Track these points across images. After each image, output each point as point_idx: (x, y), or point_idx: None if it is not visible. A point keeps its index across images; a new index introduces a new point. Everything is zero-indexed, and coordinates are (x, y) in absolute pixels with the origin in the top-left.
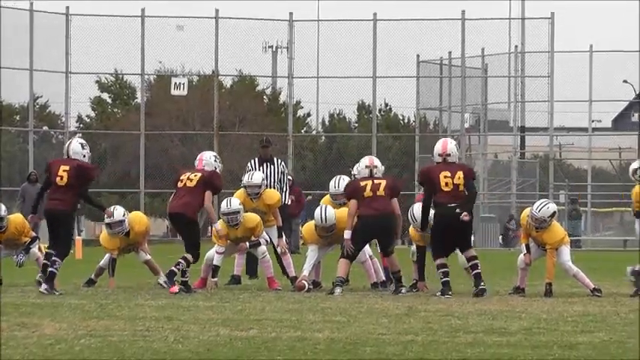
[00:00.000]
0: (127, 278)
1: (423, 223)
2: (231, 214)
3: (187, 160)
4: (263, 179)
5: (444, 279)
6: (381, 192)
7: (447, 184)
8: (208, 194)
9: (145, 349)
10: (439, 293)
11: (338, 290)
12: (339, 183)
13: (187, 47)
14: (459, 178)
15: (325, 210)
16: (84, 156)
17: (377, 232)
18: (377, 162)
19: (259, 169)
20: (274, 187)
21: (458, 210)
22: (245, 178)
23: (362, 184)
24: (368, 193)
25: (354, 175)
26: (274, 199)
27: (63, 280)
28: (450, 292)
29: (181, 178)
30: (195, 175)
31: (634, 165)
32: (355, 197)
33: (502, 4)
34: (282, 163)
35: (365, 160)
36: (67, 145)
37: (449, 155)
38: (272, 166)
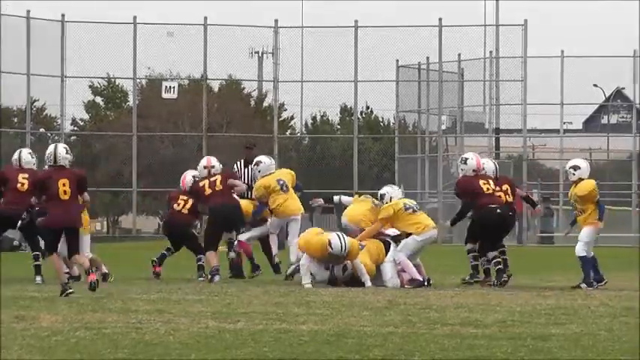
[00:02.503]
0: (120, 273)
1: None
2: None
3: (177, 160)
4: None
5: (498, 267)
6: (218, 186)
7: (487, 188)
8: None
9: (137, 341)
10: (495, 282)
11: (216, 278)
12: None
13: (177, 52)
14: (491, 184)
15: (345, 240)
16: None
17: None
18: (214, 162)
19: (244, 171)
20: None
21: (499, 211)
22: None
23: (201, 184)
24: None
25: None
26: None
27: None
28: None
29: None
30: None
31: (569, 163)
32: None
33: (477, 12)
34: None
35: (203, 162)
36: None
37: (483, 170)
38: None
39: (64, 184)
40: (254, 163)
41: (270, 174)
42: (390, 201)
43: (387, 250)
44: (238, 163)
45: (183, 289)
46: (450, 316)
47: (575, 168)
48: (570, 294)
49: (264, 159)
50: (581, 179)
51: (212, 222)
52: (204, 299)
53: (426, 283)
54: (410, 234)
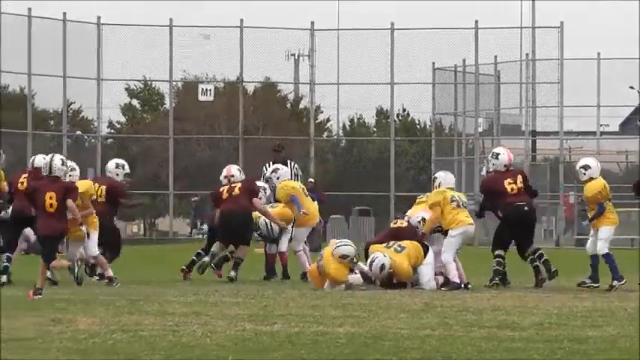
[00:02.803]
0: (157, 275)
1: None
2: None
3: (214, 163)
4: (274, 170)
5: (497, 268)
6: (236, 192)
7: (512, 189)
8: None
9: (174, 343)
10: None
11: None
12: None
13: (213, 55)
14: (520, 182)
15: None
16: (64, 173)
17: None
18: (234, 171)
19: None
20: None
21: (526, 208)
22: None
23: (221, 189)
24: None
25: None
26: (277, 189)
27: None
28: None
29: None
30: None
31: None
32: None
33: (513, 14)
34: (296, 165)
35: (224, 171)
36: (48, 160)
37: (511, 164)
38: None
39: (50, 197)
40: (271, 169)
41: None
42: (440, 186)
43: (426, 253)
44: (266, 165)
45: (220, 292)
46: (487, 318)
47: (586, 168)
48: (606, 296)
49: (282, 166)
50: (591, 179)
51: (218, 226)
52: (241, 302)
53: (462, 286)
54: (445, 230)
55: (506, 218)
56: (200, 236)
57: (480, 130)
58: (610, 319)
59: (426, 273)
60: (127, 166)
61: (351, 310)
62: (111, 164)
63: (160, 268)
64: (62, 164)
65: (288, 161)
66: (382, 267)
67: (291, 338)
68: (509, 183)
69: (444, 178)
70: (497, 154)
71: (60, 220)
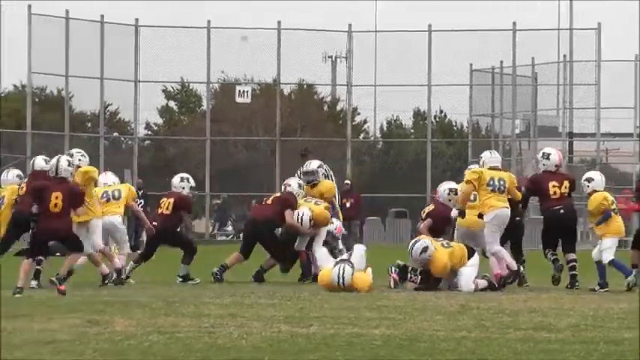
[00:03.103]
0: (194, 277)
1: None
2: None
3: (251, 165)
4: (319, 165)
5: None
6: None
7: (555, 192)
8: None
9: (210, 345)
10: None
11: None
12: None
13: (251, 57)
14: (565, 187)
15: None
16: (70, 174)
17: None
18: (292, 182)
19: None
20: None
21: (562, 211)
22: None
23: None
24: None
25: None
26: (328, 187)
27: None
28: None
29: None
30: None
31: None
32: None
33: (551, 15)
34: (326, 166)
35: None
36: (54, 161)
37: (561, 166)
38: None
39: (56, 197)
40: (317, 164)
41: None
42: (483, 166)
43: (470, 256)
44: (298, 171)
45: (255, 293)
46: (523, 320)
47: (589, 180)
48: None
49: (293, 184)
50: (595, 191)
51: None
52: (277, 303)
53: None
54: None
55: (546, 222)
56: (224, 237)
57: (517, 131)
58: None
59: (467, 274)
60: (191, 180)
61: (386, 312)
62: (176, 179)
63: (196, 269)
64: (68, 165)
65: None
66: (425, 249)
67: (327, 340)
68: (554, 186)
69: (489, 157)
70: (549, 155)
71: (62, 222)
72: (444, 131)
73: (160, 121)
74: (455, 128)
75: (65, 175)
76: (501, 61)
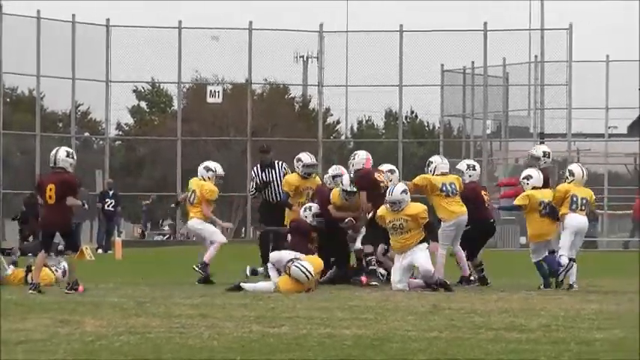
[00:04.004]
0: (163, 277)
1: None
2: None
3: (222, 165)
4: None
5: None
6: None
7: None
8: None
9: (181, 345)
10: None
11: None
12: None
13: (222, 57)
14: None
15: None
16: (70, 164)
17: None
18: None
19: (261, 174)
20: (278, 191)
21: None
22: (304, 157)
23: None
24: None
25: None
26: (319, 181)
27: (103, 279)
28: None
29: None
30: None
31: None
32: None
33: (522, 16)
34: (285, 165)
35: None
36: (53, 153)
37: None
38: (273, 171)
39: (50, 189)
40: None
41: None
42: (434, 171)
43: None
44: (255, 168)
45: (226, 294)
46: (495, 320)
47: (528, 178)
48: (614, 299)
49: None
50: (534, 188)
51: None
52: (248, 303)
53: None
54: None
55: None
56: (160, 237)
57: (488, 132)
58: (617, 322)
59: (424, 255)
60: (219, 169)
61: (358, 313)
62: (201, 169)
63: (167, 269)
64: (67, 156)
65: (276, 162)
66: (405, 191)
67: (298, 340)
68: (485, 194)
69: (440, 163)
70: (474, 166)
71: (60, 214)
72: (415, 132)
73: (131, 121)
74: (426, 129)
75: (63, 165)
76: (472, 62)
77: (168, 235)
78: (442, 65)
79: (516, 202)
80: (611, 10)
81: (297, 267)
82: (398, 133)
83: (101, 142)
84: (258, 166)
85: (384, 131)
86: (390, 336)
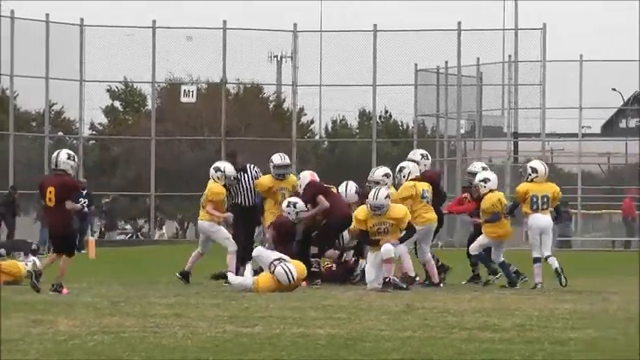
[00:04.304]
0: (137, 276)
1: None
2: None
3: (196, 164)
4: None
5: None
6: None
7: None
8: None
9: (155, 345)
10: None
11: None
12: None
13: (196, 56)
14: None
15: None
16: (71, 167)
17: None
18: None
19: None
20: (250, 194)
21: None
22: (275, 158)
23: None
24: None
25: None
26: (296, 181)
27: (76, 279)
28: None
29: None
30: None
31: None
32: None
33: (496, 16)
34: (256, 169)
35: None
36: (55, 154)
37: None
38: (245, 175)
39: (50, 192)
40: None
41: None
42: (408, 176)
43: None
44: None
45: (200, 293)
46: (468, 320)
47: (486, 181)
48: (588, 298)
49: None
50: (491, 191)
51: None
52: (222, 303)
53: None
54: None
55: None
56: (122, 237)
57: (462, 131)
58: (591, 322)
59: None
60: (228, 169)
61: (331, 312)
62: (211, 170)
63: (141, 269)
64: (68, 158)
65: (249, 166)
66: (387, 196)
67: (272, 340)
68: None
69: (414, 167)
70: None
71: (60, 216)
72: (389, 131)
73: (104, 120)
74: (400, 128)
75: (64, 167)
76: (446, 61)
77: (130, 235)
78: (416, 65)
79: (490, 209)
80: (584, 11)
81: (282, 268)
82: (372, 132)
83: (75, 142)
84: (225, 167)
85: (357, 131)
86: (363, 335)
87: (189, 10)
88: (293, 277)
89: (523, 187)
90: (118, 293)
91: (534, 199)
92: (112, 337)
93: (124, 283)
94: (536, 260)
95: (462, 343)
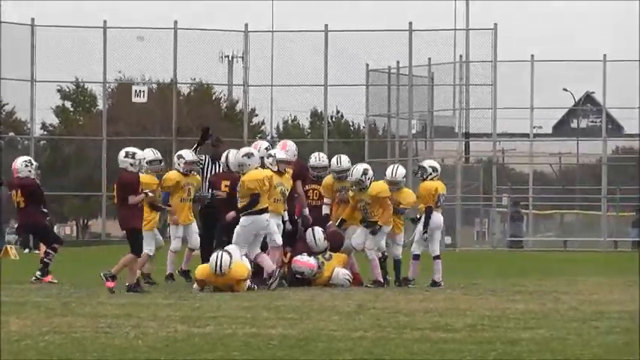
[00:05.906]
0: (88, 277)
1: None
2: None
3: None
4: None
5: None
6: None
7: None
8: None
9: (106, 345)
10: None
11: None
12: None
13: (147, 57)
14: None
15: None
16: (30, 171)
17: None
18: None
19: (211, 167)
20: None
21: None
22: (185, 153)
23: None
24: None
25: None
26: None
27: (28, 279)
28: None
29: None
30: None
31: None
32: None
33: (447, 16)
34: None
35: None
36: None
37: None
38: (214, 166)
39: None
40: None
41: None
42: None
43: None
44: (205, 157)
45: (152, 293)
46: (420, 320)
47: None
48: (540, 298)
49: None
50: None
51: None
52: (174, 303)
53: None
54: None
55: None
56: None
57: (414, 131)
58: (542, 322)
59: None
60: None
61: (283, 312)
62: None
63: (92, 269)
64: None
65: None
66: (365, 172)
67: (224, 340)
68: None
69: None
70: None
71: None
72: (340, 131)
73: (55, 121)
74: (352, 128)
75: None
76: (398, 61)
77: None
78: (367, 65)
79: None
80: (536, 11)
81: (217, 255)
82: (323, 132)
83: (26, 142)
84: (209, 158)
85: (309, 131)
86: (315, 335)
87: (140, 10)
88: (221, 269)
89: (432, 184)
90: (69, 293)
91: (440, 198)
92: (63, 338)
93: (76, 284)
94: (417, 257)
95: (413, 344)
